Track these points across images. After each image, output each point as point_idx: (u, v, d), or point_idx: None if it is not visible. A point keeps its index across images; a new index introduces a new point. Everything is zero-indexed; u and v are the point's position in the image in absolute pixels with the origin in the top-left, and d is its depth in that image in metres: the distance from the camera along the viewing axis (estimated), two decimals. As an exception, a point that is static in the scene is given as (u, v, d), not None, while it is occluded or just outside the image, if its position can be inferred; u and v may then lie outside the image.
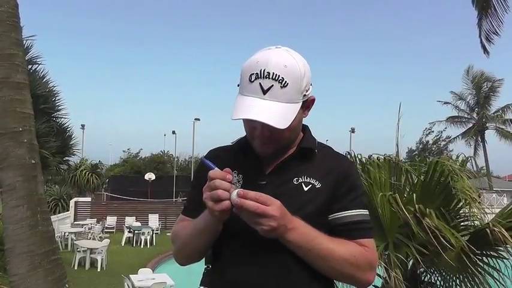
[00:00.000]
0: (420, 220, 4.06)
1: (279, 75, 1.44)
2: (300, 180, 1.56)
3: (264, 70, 1.44)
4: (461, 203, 4.40)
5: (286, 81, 1.44)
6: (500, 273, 4.12)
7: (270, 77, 1.44)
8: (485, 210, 4.48)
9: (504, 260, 4.16)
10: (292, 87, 1.46)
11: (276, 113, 1.43)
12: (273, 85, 1.44)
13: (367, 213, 1.59)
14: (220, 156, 1.66)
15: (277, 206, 1.40)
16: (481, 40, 12.07)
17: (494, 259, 4.21)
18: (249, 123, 1.54)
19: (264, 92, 1.44)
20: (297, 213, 1.48)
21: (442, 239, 3.87)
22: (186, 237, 1.64)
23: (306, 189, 1.55)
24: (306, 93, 1.52)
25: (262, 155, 1.60)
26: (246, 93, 1.47)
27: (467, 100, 46.76)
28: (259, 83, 1.45)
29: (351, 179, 1.60)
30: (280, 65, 1.45)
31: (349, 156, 5.01)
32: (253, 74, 1.46)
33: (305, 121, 1.66)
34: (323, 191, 1.55)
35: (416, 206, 4.12)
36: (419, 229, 4.01)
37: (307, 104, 1.57)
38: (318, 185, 1.55)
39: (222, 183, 1.40)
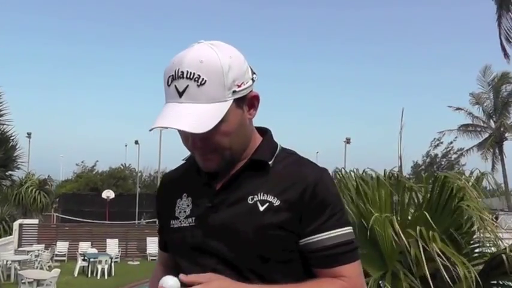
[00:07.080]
0: (424, 246, 4.03)
1: (193, 73, 1.44)
2: (256, 198, 1.54)
3: (178, 70, 1.46)
4: (475, 226, 4.40)
5: (203, 79, 1.44)
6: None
7: (184, 76, 1.45)
8: (503, 235, 4.48)
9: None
10: (212, 84, 1.45)
11: (195, 117, 1.43)
12: (188, 85, 1.45)
13: (349, 231, 1.56)
14: (172, 180, 1.75)
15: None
16: (501, 41, 12.11)
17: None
18: (182, 135, 1.55)
19: (180, 94, 1.46)
20: (253, 240, 1.49)
21: (449, 268, 3.86)
22: None
23: (262, 209, 1.52)
24: (238, 90, 1.50)
25: (208, 171, 1.59)
26: (167, 99, 1.50)
27: (484, 105, 45.61)
28: (175, 85, 1.47)
29: (323, 193, 1.54)
30: (195, 61, 1.45)
31: (343, 171, 4.99)
32: (170, 76, 1.48)
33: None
34: (283, 209, 1.52)
35: (418, 228, 4.09)
36: (421, 256, 3.99)
37: (249, 102, 1.56)
38: (276, 202, 1.53)
39: None
